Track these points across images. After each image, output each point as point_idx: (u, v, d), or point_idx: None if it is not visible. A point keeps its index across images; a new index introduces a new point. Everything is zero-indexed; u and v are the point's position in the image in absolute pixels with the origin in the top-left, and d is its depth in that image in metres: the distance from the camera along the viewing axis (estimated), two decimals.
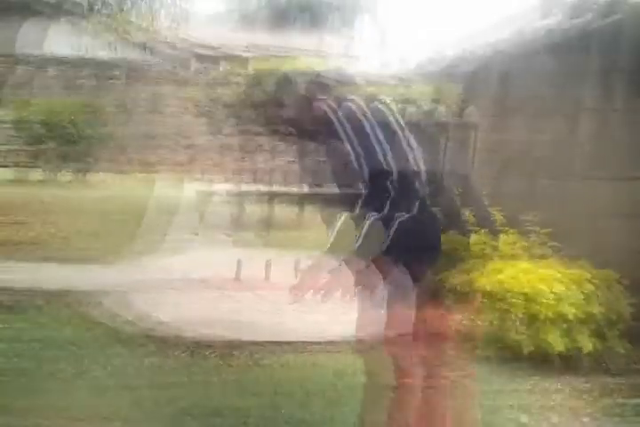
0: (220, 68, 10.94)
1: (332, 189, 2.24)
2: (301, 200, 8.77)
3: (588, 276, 3.42)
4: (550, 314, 3.19)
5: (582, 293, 3.27)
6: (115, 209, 7.08)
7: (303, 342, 3.28)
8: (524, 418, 2.72)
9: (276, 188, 7.95)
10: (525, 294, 3.26)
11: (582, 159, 4.89)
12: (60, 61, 11.15)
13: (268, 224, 7.00)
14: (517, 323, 3.31)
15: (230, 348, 3.20)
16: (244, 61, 7.30)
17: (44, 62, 11.06)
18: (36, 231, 5.58)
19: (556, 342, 3.17)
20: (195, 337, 3.26)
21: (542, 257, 4.14)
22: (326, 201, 2.45)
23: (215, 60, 12.24)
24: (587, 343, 3.19)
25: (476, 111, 6.62)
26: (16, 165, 10.40)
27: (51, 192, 7.90)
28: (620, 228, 3.90)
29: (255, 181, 10.09)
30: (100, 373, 2.88)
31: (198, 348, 3.19)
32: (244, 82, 6.71)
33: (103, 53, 10.64)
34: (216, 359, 3.11)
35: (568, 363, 3.29)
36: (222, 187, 9.58)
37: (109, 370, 2.91)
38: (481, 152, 6.16)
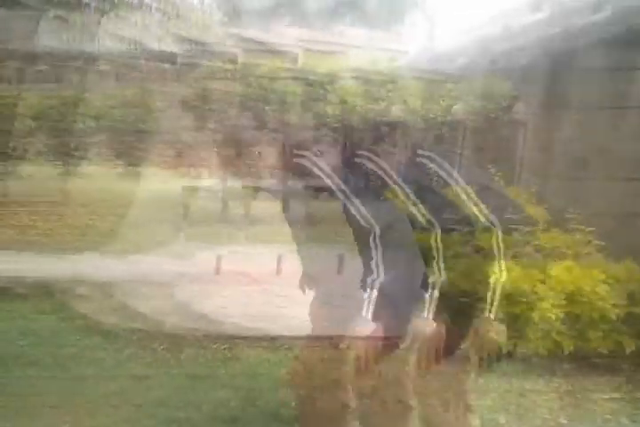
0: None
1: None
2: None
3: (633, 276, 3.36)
4: (593, 314, 3.14)
5: (626, 293, 3.22)
6: (125, 202, 7.13)
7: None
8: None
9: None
10: (569, 294, 3.22)
11: (627, 159, 4.81)
12: (77, 55, 11.25)
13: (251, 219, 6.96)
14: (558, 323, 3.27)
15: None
16: (294, 57, 7.24)
17: (63, 56, 11.16)
18: (52, 223, 5.63)
19: (599, 342, 3.13)
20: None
21: (587, 255, 4.07)
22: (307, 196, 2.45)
23: (262, 55, 12.26)
24: (630, 343, 3.14)
25: (523, 108, 6.51)
26: (32, 157, 10.52)
27: (67, 184, 7.99)
28: None
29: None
30: None
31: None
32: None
33: (122, 47, 10.72)
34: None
35: (612, 363, 3.26)
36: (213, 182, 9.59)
37: None
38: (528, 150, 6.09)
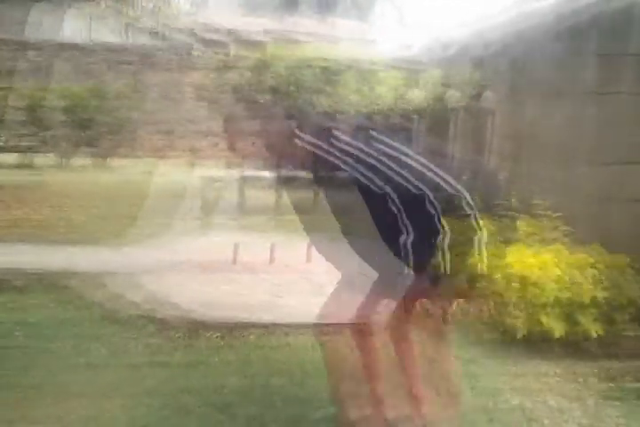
0: (232, 53, 10.92)
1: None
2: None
3: (592, 260, 3.38)
4: (546, 299, 3.17)
5: (586, 277, 3.24)
6: (123, 194, 7.14)
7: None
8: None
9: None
10: (523, 278, 3.24)
11: (591, 144, 4.83)
12: (71, 47, 11.19)
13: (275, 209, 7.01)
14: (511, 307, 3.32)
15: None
16: (258, 46, 7.25)
17: (55, 48, 11.10)
18: (46, 215, 5.63)
19: (554, 326, 3.16)
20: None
21: (554, 241, 4.11)
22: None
23: (225, 45, 12.20)
24: (591, 328, 3.16)
25: (492, 96, 6.53)
26: (29, 149, 10.51)
27: (63, 177, 7.99)
28: (633, 212, 3.86)
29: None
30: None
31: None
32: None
33: (114, 39, 10.66)
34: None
35: (572, 347, 3.29)
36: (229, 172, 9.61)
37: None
38: (496, 137, 6.12)
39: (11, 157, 9.37)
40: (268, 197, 7.90)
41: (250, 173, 6.99)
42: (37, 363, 2.76)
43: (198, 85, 11.81)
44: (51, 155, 8.82)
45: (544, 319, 3.16)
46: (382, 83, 6.45)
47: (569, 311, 3.20)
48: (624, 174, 3.97)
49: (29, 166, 8.67)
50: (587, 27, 4.83)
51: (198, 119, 11.98)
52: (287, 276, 4.15)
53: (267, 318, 3.35)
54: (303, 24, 11.14)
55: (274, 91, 6.24)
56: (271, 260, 4.41)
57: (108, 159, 10.92)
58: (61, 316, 3.36)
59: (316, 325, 2.62)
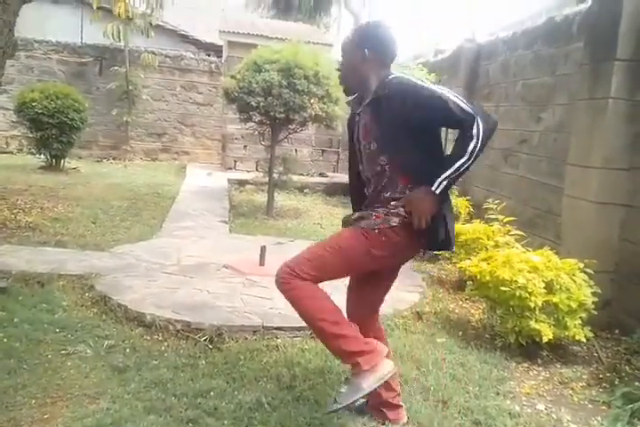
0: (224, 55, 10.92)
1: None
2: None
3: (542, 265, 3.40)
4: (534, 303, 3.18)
5: (543, 281, 3.25)
6: (116, 196, 7.11)
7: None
8: None
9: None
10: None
11: (551, 148, 4.90)
12: (62, 47, 11.15)
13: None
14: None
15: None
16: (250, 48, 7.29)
17: (45, 47, 11.07)
18: (34, 216, 5.58)
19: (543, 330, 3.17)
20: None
21: (505, 245, 4.16)
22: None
23: (217, 47, 12.20)
24: (546, 331, 3.17)
25: None
26: (19, 151, 10.46)
27: (51, 178, 7.93)
28: (589, 216, 3.91)
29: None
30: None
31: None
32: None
33: (104, 40, 10.64)
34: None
35: (529, 350, 3.32)
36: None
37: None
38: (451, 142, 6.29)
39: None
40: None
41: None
42: None
43: (190, 87, 11.84)
44: (41, 157, 8.77)
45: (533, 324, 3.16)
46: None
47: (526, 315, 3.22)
48: (579, 177, 4.04)
49: (20, 167, 8.61)
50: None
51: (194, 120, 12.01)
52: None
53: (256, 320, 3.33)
54: (294, 26, 11.20)
55: (266, 93, 6.24)
56: (261, 263, 4.39)
57: (103, 162, 10.90)
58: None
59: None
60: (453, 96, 2.07)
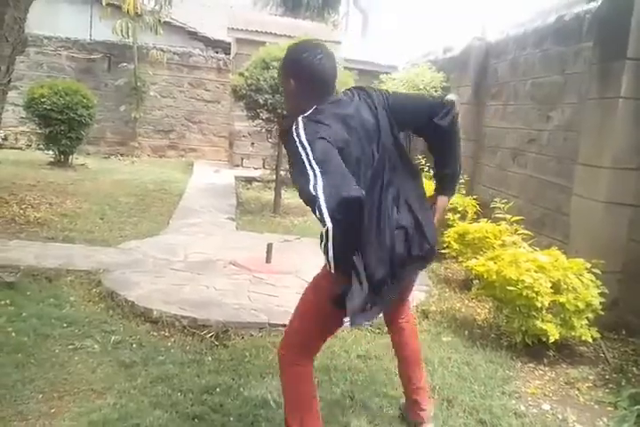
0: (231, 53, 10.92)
1: None
2: None
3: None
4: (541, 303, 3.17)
5: (550, 281, 3.24)
6: (123, 192, 7.14)
7: None
8: None
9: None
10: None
11: (560, 147, 4.88)
12: (71, 43, 11.19)
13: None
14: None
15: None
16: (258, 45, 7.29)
17: (54, 44, 11.11)
18: (43, 212, 5.62)
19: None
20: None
21: (513, 244, 4.14)
22: None
23: (225, 44, 12.21)
24: (553, 331, 3.16)
25: (456, 99, 6.57)
26: (28, 146, 10.51)
27: (60, 174, 7.97)
28: (597, 216, 3.89)
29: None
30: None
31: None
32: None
33: (114, 37, 10.67)
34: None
35: (535, 350, 3.31)
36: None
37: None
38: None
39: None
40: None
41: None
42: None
43: (198, 84, 11.87)
44: (50, 153, 8.81)
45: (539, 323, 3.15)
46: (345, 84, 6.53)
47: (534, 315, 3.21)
48: (587, 177, 4.03)
49: (30, 163, 8.65)
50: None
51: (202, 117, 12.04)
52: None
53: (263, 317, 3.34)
54: (302, 24, 11.20)
55: (273, 90, 6.24)
56: (268, 260, 4.40)
57: (111, 158, 10.94)
58: None
59: None
60: (309, 169, 1.71)
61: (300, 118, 1.85)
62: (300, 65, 1.97)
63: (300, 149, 1.75)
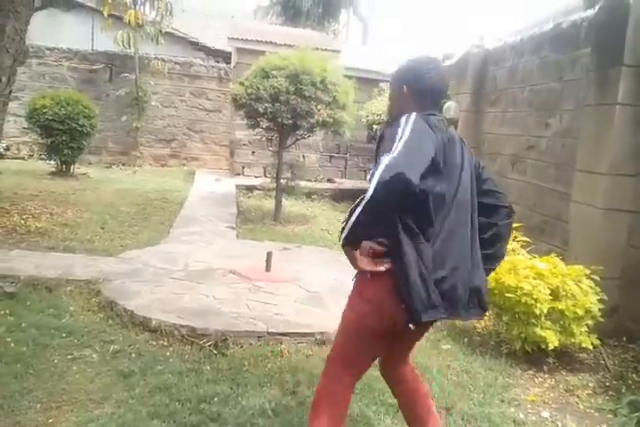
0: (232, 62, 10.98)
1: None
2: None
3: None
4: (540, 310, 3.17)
5: (549, 288, 3.24)
6: (125, 201, 7.16)
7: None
8: None
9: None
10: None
11: (558, 154, 4.89)
12: (73, 54, 11.28)
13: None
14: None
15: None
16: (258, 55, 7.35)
17: (56, 54, 11.20)
18: (44, 222, 5.64)
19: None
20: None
21: (511, 251, 4.14)
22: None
23: (226, 54, 12.28)
24: (552, 338, 3.16)
25: (456, 106, 6.60)
26: (30, 156, 10.56)
27: (61, 183, 8.00)
28: (596, 223, 3.89)
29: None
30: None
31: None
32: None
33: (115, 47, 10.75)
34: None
35: (534, 357, 3.32)
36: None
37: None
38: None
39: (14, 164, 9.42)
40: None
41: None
42: None
43: (200, 93, 11.93)
44: (52, 162, 8.85)
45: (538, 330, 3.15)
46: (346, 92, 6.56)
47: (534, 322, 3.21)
48: (585, 183, 4.04)
49: (30, 173, 8.68)
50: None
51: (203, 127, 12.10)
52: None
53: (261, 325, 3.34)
54: (303, 33, 11.26)
55: (273, 99, 6.28)
56: (267, 269, 4.40)
57: (112, 168, 10.99)
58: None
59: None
60: (394, 146, 1.78)
61: (414, 113, 1.91)
62: (417, 73, 2.05)
63: (400, 131, 1.82)
